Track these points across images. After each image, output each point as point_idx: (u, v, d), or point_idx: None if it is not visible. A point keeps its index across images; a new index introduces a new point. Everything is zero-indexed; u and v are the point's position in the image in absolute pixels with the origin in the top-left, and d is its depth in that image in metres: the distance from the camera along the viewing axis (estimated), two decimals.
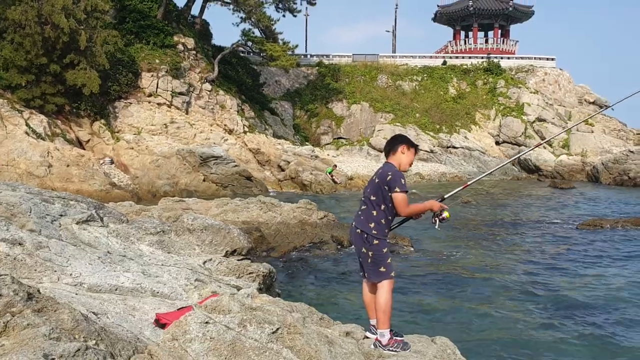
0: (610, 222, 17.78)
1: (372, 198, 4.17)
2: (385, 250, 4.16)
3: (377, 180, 4.19)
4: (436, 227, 4.22)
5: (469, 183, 4.89)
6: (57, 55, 24.75)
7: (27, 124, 23.33)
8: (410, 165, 4.32)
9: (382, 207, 4.12)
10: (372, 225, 4.14)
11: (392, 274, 4.19)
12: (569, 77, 50.94)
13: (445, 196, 4.37)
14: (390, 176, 4.09)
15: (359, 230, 4.21)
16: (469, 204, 23.60)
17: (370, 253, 4.16)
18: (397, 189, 4.04)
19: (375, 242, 4.13)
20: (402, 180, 4.07)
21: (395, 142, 4.28)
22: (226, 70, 37.00)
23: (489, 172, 5.58)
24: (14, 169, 21.42)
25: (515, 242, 14.70)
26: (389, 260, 4.16)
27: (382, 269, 4.14)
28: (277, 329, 3.38)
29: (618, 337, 7.34)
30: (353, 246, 4.51)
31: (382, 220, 4.13)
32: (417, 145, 4.42)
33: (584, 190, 31.31)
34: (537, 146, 6.19)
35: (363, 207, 4.25)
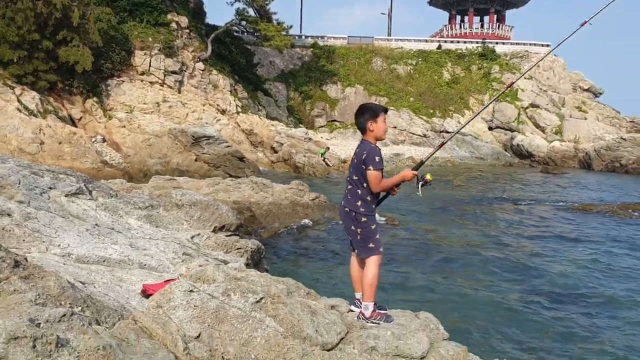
0: (599, 207, 17.95)
1: (355, 178, 4.23)
2: (373, 226, 4.23)
3: (355, 161, 4.25)
4: (419, 193, 4.24)
5: (444, 141, 4.77)
6: (50, 32, 24.47)
7: (19, 101, 23.13)
8: (385, 131, 4.28)
9: (365, 184, 4.18)
10: (359, 203, 4.21)
11: (381, 249, 4.27)
12: (564, 64, 50.89)
13: (424, 160, 4.36)
14: (365, 154, 4.14)
15: (347, 209, 4.28)
16: (459, 187, 23.74)
17: (359, 230, 4.23)
18: (370, 167, 4.09)
19: (364, 219, 4.21)
20: (377, 158, 4.11)
21: (361, 120, 4.23)
22: (220, 50, 36.71)
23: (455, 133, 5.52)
24: (6, 146, 21.29)
25: (503, 225, 14.83)
26: (377, 236, 4.24)
27: (371, 245, 4.22)
28: (261, 298, 3.44)
29: (594, 317, 7.48)
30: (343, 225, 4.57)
31: (368, 198, 4.20)
32: (385, 109, 4.32)
33: (576, 176, 31.52)
34: None
35: (349, 187, 4.31)
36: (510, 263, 10.34)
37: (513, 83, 4.96)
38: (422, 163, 4.34)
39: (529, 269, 9.94)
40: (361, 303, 4.36)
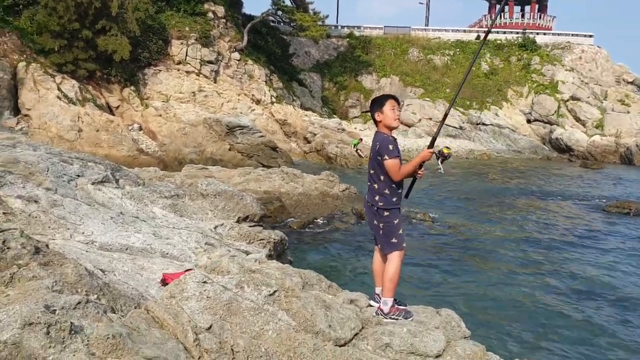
0: (637, 205, 17.37)
1: (372, 172, 4.18)
2: (396, 221, 4.15)
3: (372, 154, 4.19)
4: (440, 170, 4.16)
5: (450, 106, 4.57)
6: (89, 21, 24.96)
7: (59, 89, 23.70)
8: (397, 119, 4.15)
9: (382, 177, 4.11)
10: (377, 197, 4.15)
11: (404, 244, 4.19)
12: (607, 55, 49.30)
13: (435, 135, 4.21)
14: (378, 145, 4.08)
15: (369, 204, 4.24)
16: (495, 181, 23.35)
17: (381, 225, 4.16)
18: (386, 157, 4.02)
19: (386, 213, 4.13)
20: (391, 147, 4.04)
21: (372, 113, 4.20)
22: (255, 40, 36.81)
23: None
24: (46, 132, 21.87)
25: (537, 222, 14.50)
26: (400, 231, 4.16)
27: (393, 240, 4.15)
28: (275, 291, 3.43)
29: (624, 325, 7.26)
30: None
31: (386, 191, 4.12)
32: (393, 97, 4.21)
33: (615, 171, 30.63)
34: None
35: (369, 182, 4.27)
36: (541, 263, 10.10)
37: (489, 31, 4.64)
38: (434, 139, 4.19)
39: (559, 270, 9.69)
40: (381, 298, 4.32)
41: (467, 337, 4.37)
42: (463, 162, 32.79)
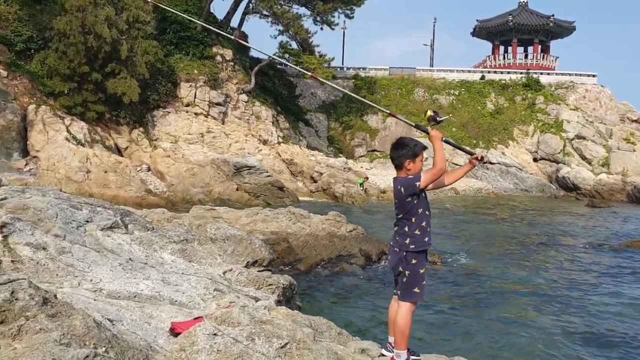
0: None
1: (400, 216, 4.03)
2: (422, 271, 4.00)
3: (397, 201, 4.06)
4: (445, 118, 4.31)
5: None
6: (99, 64, 25.46)
7: (68, 130, 23.97)
8: (421, 170, 4.05)
9: (413, 219, 3.97)
10: (408, 240, 3.98)
11: (423, 298, 4.09)
12: (611, 95, 49.62)
13: (413, 124, 4.52)
14: (403, 189, 3.95)
15: (397, 249, 4.05)
16: (503, 220, 23.19)
17: (407, 272, 3.99)
18: (418, 184, 3.91)
19: (414, 261, 3.96)
20: (410, 178, 3.97)
21: (399, 157, 4.03)
22: (263, 82, 37.37)
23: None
24: (54, 174, 22.02)
25: (548, 262, 14.33)
26: (424, 282, 4.03)
27: (416, 290, 4.00)
28: (286, 343, 3.35)
29: None
30: (388, 263, 4.42)
31: (417, 231, 3.97)
32: (424, 147, 4.08)
33: (624, 210, 30.41)
34: None
35: (396, 227, 4.10)
36: (556, 306, 9.90)
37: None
38: (417, 126, 4.44)
39: (576, 314, 9.49)
40: (393, 348, 4.19)
41: None
42: (471, 201, 32.68)
